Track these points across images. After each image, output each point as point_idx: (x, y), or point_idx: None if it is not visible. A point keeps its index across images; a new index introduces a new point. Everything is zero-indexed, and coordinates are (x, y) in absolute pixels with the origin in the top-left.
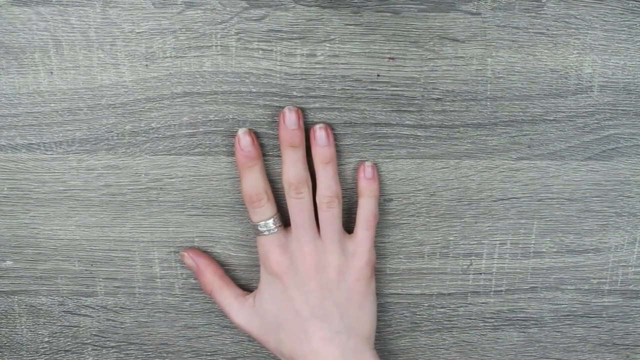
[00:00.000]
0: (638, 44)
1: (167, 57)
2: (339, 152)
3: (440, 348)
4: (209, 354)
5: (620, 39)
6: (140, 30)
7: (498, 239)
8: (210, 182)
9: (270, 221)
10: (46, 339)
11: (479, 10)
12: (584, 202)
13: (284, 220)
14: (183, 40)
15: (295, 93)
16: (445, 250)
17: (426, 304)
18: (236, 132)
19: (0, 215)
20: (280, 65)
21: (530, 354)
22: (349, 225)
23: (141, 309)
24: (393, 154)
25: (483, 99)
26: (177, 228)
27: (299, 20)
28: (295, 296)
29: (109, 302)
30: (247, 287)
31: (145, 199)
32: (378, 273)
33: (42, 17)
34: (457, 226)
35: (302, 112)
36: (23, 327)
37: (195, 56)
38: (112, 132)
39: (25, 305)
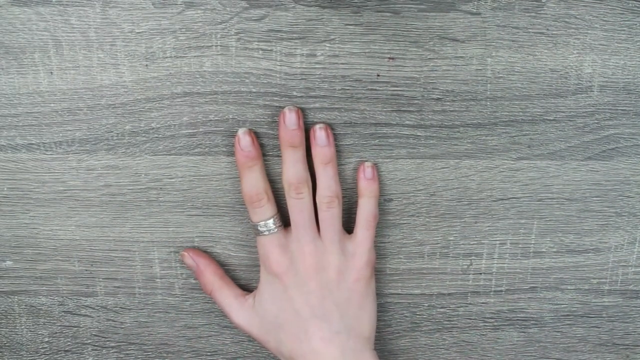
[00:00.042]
0: (638, 44)
1: (167, 57)
2: (339, 152)
3: (440, 348)
4: (209, 354)
5: (620, 39)
6: (140, 30)
7: (498, 239)
8: (210, 182)
9: (270, 221)
10: (46, 339)
11: (479, 10)
12: (584, 202)
13: (284, 220)
14: (183, 40)
15: (295, 93)
16: (445, 250)
17: (426, 304)
18: (236, 132)
19: (0, 215)
20: (280, 65)
21: (530, 354)
22: (349, 225)
23: (141, 309)
24: (393, 154)
25: (483, 99)
26: (177, 228)
27: (299, 20)
28: (295, 296)
29: (109, 302)
30: (247, 287)
31: (145, 199)
32: (378, 273)
33: (42, 17)
34: (457, 226)
35: (302, 112)
36: (23, 327)
37: (195, 56)
38: (112, 132)
39: (25, 305)
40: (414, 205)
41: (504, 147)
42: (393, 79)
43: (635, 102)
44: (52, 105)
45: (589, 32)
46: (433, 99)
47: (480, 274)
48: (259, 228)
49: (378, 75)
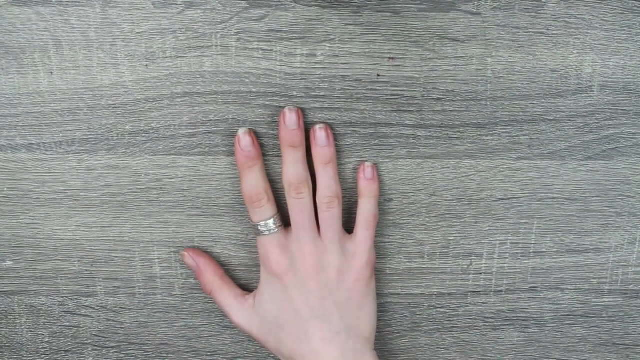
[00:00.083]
0: (638, 44)
1: (167, 57)
2: (339, 152)
3: (440, 348)
4: (209, 354)
5: (620, 39)
6: (140, 30)
7: (498, 239)
8: (210, 182)
9: (271, 221)
10: (46, 339)
11: (479, 10)
12: (584, 202)
13: (284, 220)
14: (183, 40)
15: (295, 93)
16: (445, 250)
17: (426, 304)
18: (236, 132)
19: (0, 215)
20: (280, 65)
21: (530, 354)
22: (349, 225)
23: (141, 309)
24: (393, 154)
25: (483, 99)
26: (177, 228)
27: (299, 20)
28: (295, 296)
29: (109, 302)
30: (247, 287)
31: (145, 199)
32: (378, 273)
33: (42, 17)
34: (457, 226)
35: (302, 112)
36: (23, 327)
37: (195, 56)
38: (112, 132)
39: (25, 306)
40: (414, 205)
41: (504, 147)
42: (393, 79)
43: (635, 102)
44: (52, 105)
45: (589, 32)
46: (433, 99)
47: (481, 274)
48: (259, 228)
49: (378, 75)
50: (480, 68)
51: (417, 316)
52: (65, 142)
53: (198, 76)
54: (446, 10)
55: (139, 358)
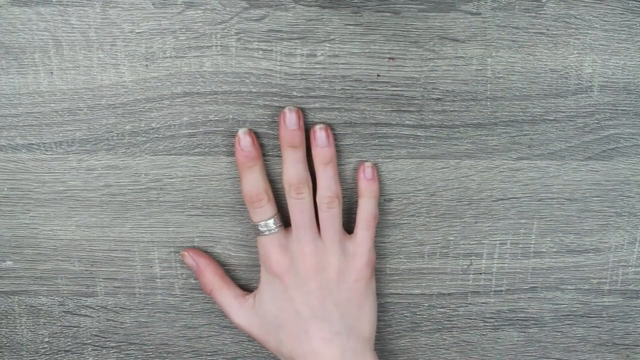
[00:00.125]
0: (638, 44)
1: (167, 57)
2: (339, 152)
3: (440, 348)
4: (209, 354)
5: (620, 39)
6: (140, 30)
7: (498, 239)
8: (210, 182)
9: (271, 221)
10: (46, 339)
11: (479, 10)
12: (584, 202)
13: (284, 220)
14: (183, 40)
15: (295, 93)
16: (445, 250)
17: (426, 304)
18: (236, 132)
19: (0, 215)
20: (280, 65)
21: (530, 354)
22: (349, 225)
23: (141, 309)
24: (393, 154)
25: (483, 99)
26: (177, 228)
27: (299, 20)
28: (295, 296)
29: (109, 302)
30: (247, 287)
31: (145, 199)
32: (378, 273)
33: (42, 17)
34: (457, 226)
35: (302, 112)
36: (23, 327)
37: (195, 56)
38: (112, 132)
39: (25, 305)
40: (414, 205)
41: (504, 147)
42: (393, 79)
43: (635, 102)
44: (52, 105)
45: (589, 32)
46: (433, 99)
47: (480, 274)
48: (260, 228)
49: (378, 75)
50: (480, 68)
51: (417, 316)
52: (65, 142)
53: (198, 76)
54: (446, 10)
55: (139, 358)
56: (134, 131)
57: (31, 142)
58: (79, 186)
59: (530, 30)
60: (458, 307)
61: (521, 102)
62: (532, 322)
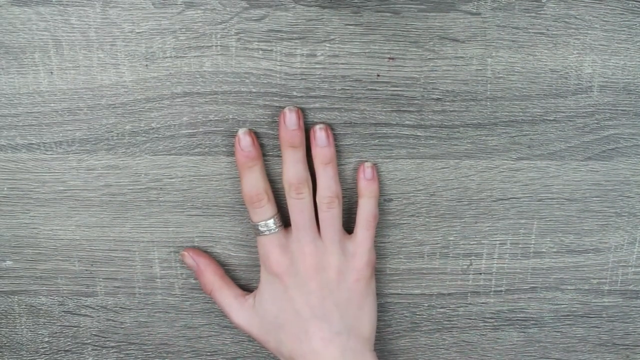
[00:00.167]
0: (638, 44)
1: (167, 57)
2: (339, 152)
3: (440, 348)
4: (209, 354)
5: (620, 39)
6: (140, 30)
7: (498, 239)
8: (210, 182)
9: (271, 221)
10: (46, 339)
11: (479, 10)
12: (584, 202)
13: (284, 220)
14: (183, 40)
15: (295, 93)
16: (445, 250)
17: (426, 304)
18: (236, 132)
19: (0, 215)
20: (280, 65)
21: (530, 354)
22: (349, 225)
23: (141, 309)
24: (393, 154)
25: (483, 99)
26: (177, 228)
27: (299, 20)
28: (295, 296)
29: (109, 302)
30: (247, 287)
31: (145, 199)
32: (378, 273)
33: (42, 17)
34: (457, 226)
35: (302, 112)
36: (23, 327)
37: (195, 56)
38: (112, 132)
39: (25, 305)
40: (414, 205)
41: (504, 147)
42: (393, 79)
43: (635, 102)
44: (52, 105)
45: (589, 32)
46: (433, 99)
47: (480, 274)
48: (260, 228)
49: (378, 75)
50: (480, 68)
51: (417, 316)
52: (65, 142)
53: (198, 76)
54: (446, 10)
55: (139, 358)
56: (134, 131)
57: (31, 142)
58: (79, 186)
59: (530, 30)
60: (458, 307)
61: (521, 102)
62: (532, 322)
